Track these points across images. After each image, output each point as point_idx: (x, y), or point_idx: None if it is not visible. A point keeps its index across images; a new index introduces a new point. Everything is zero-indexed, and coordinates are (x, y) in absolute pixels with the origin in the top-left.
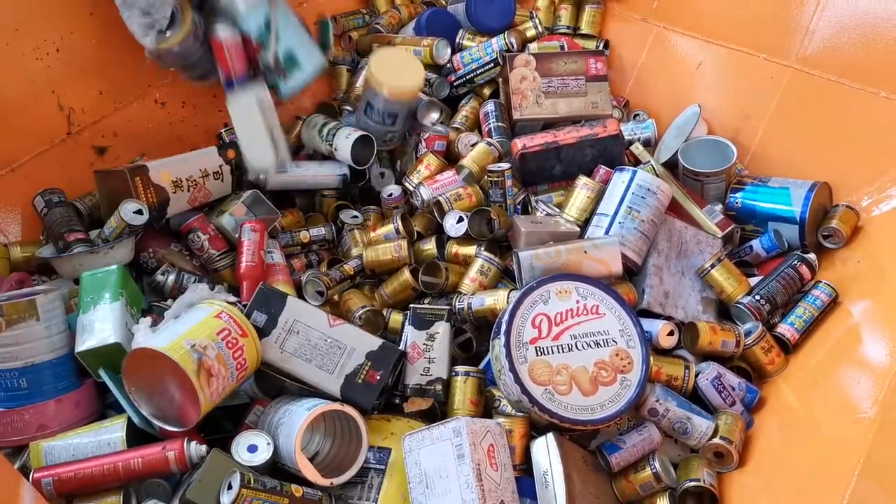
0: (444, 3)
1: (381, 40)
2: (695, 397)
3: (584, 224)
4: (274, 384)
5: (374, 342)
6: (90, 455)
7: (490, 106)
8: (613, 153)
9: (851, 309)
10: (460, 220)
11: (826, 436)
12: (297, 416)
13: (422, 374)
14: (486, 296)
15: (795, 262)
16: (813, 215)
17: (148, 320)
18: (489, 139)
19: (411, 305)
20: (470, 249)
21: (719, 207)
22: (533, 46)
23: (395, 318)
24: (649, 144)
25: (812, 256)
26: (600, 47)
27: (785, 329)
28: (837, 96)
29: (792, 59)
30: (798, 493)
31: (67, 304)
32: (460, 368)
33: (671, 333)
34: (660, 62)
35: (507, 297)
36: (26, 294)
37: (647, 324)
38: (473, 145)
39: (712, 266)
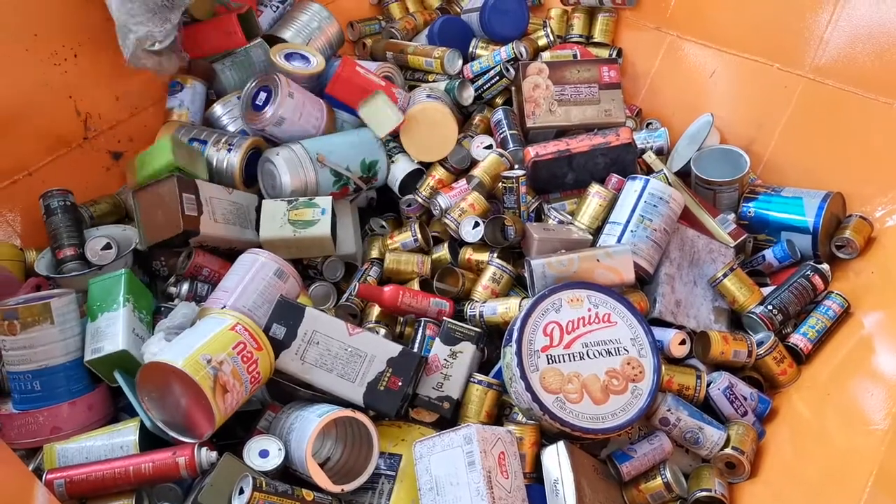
0: (458, 10)
1: (394, 48)
2: (706, 407)
3: (596, 232)
4: (285, 390)
5: (394, 348)
6: (103, 458)
7: (499, 114)
8: (626, 161)
9: (864, 320)
10: (476, 225)
11: (838, 447)
12: (308, 422)
13: (434, 388)
14: (497, 303)
15: (808, 272)
16: (826, 225)
17: (162, 333)
18: (500, 149)
19: (445, 318)
20: (483, 255)
21: (732, 217)
22: (546, 55)
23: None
24: (662, 153)
25: (825, 267)
26: (613, 55)
27: (798, 339)
28: (851, 106)
29: (806, 68)
30: None
31: (82, 307)
32: (483, 378)
33: (683, 343)
34: (673, 71)
35: (519, 305)
36: (41, 297)
37: (659, 333)
38: (487, 147)
39: (724, 275)
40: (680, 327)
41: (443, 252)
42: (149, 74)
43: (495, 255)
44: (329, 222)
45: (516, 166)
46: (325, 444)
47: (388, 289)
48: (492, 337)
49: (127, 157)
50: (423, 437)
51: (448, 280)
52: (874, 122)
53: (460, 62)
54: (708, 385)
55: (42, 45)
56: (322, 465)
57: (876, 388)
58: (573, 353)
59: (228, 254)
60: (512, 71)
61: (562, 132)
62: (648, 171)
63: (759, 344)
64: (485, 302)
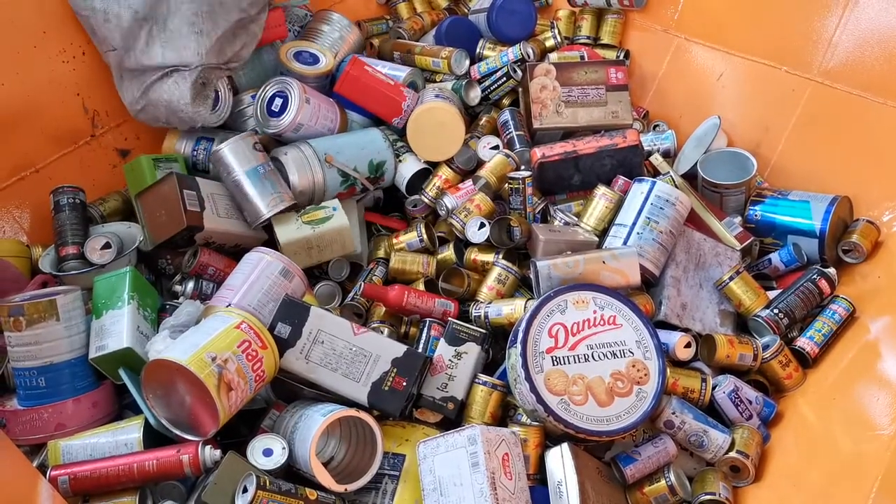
0: (465, 11)
1: (401, 48)
2: (711, 410)
3: (602, 234)
4: (290, 389)
5: (399, 349)
6: (107, 455)
7: (506, 115)
8: (633, 164)
9: (871, 324)
10: (482, 226)
11: (843, 452)
12: (312, 422)
13: (438, 389)
14: (503, 305)
15: (815, 276)
16: (833, 229)
17: (166, 331)
18: (506, 150)
19: (450, 319)
20: (489, 256)
21: (738, 220)
22: (553, 56)
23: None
24: (669, 155)
25: (832, 271)
26: (621, 57)
27: (804, 343)
28: (859, 110)
29: (814, 72)
30: None
31: (87, 304)
32: (488, 379)
33: (688, 345)
34: (680, 73)
35: (525, 306)
36: (47, 294)
37: (665, 335)
38: (494, 148)
39: (731, 278)
40: (685, 330)
41: (448, 252)
42: None
43: (501, 255)
44: (344, 215)
45: (522, 167)
46: (329, 444)
47: (393, 289)
48: (497, 338)
49: (134, 155)
50: (427, 437)
51: (453, 280)
52: (882, 125)
53: (467, 63)
54: (713, 388)
55: (51, 43)
56: (326, 465)
57: (882, 393)
58: (578, 355)
59: (234, 252)
60: (519, 72)
61: (568, 134)
62: (655, 173)
63: (765, 347)
64: (490, 303)
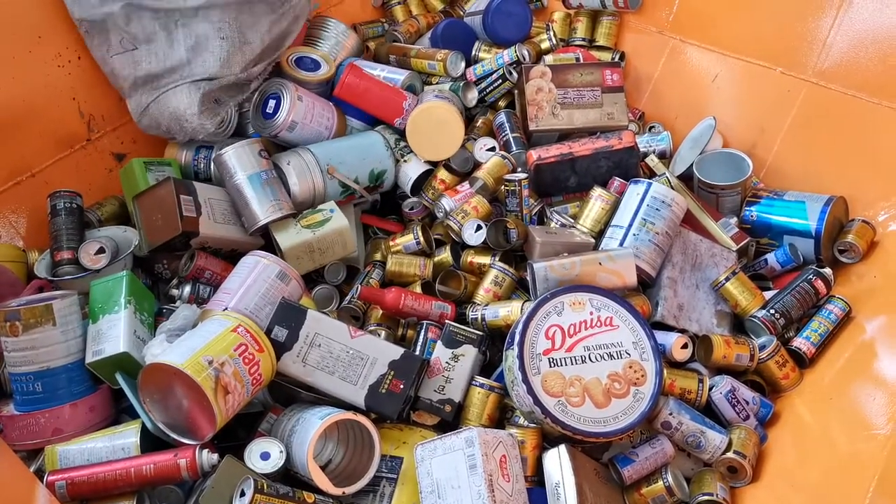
0: (461, 13)
1: (397, 51)
2: (708, 411)
3: (599, 235)
4: (287, 392)
5: (396, 351)
6: (104, 459)
7: (502, 117)
8: (628, 165)
9: (867, 324)
10: (479, 228)
11: (840, 452)
12: (310, 425)
13: (435, 391)
14: (499, 307)
15: (811, 276)
16: (829, 230)
17: (163, 335)
18: (503, 152)
19: (446, 321)
20: (485, 258)
21: (734, 220)
22: (548, 58)
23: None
24: (664, 157)
25: (828, 271)
26: (616, 59)
27: (801, 343)
28: (854, 111)
29: (809, 72)
30: None
31: (84, 309)
32: (485, 381)
33: (685, 346)
34: (676, 74)
35: (521, 308)
36: (43, 299)
37: (661, 336)
38: (490, 150)
39: (727, 279)
40: (682, 331)
41: (445, 255)
42: None
43: (497, 258)
44: (342, 215)
45: (519, 169)
46: (326, 447)
47: (390, 291)
48: (494, 340)
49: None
50: (424, 440)
51: (450, 283)
52: (877, 126)
53: (463, 65)
54: (710, 389)
55: (46, 47)
56: (323, 468)
57: (878, 393)
58: (575, 357)
59: (231, 256)
60: (515, 74)
61: (564, 135)
62: (651, 174)
63: (762, 348)
64: (487, 305)
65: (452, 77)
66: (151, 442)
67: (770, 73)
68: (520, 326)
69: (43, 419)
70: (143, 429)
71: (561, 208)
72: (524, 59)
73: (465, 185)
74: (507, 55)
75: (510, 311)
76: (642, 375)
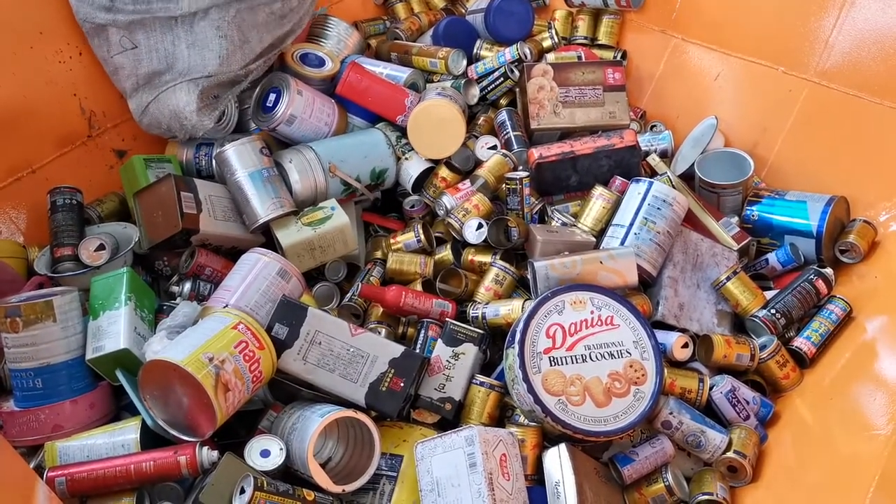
0: (462, 11)
1: (398, 48)
2: (709, 410)
3: (600, 234)
4: (287, 390)
5: (396, 349)
6: (104, 456)
7: (503, 115)
8: (630, 164)
9: (868, 325)
10: (480, 226)
11: (841, 452)
12: (310, 423)
13: (436, 389)
14: (500, 305)
15: (812, 276)
16: (830, 229)
17: (163, 332)
18: (504, 150)
19: (447, 319)
20: (486, 257)
21: (735, 220)
22: (550, 57)
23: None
24: (666, 156)
25: (829, 271)
26: (618, 58)
27: (802, 343)
28: (856, 110)
29: (811, 72)
30: None
31: (84, 305)
32: (485, 380)
33: (685, 346)
34: (677, 73)
35: (522, 307)
36: (44, 295)
37: (662, 336)
38: (492, 148)
39: (728, 279)
40: (683, 330)
41: (445, 253)
42: None
43: (498, 256)
44: (343, 213)
45: (520, 168)
46: (326, 445)
47: (390, 289)
48: (494, 338)
49: (130, 155)
50: (424, 438)
51: (451, 281)
52: (879, 126)
53: (464, 63)
54: (710, 388)
55: (47, 43)
56: (323, 466)
57: (879, 393)
58: (576, 356)
59: (231, 253)
60: (516, 72)
61: (566, 134)
62: (652, 173)
63: (762, 348)
64: (487, 303)
65: (454, 75)
66: (151, 439)
67: (772, 72)
68: (520, 325)
69: (43, 415)
70: (143, 426)
71: (562, 207)
72: (526, 57)
73: (467, 183)
74: (509, 53)
75: (511, 309)
76: (643, 375)
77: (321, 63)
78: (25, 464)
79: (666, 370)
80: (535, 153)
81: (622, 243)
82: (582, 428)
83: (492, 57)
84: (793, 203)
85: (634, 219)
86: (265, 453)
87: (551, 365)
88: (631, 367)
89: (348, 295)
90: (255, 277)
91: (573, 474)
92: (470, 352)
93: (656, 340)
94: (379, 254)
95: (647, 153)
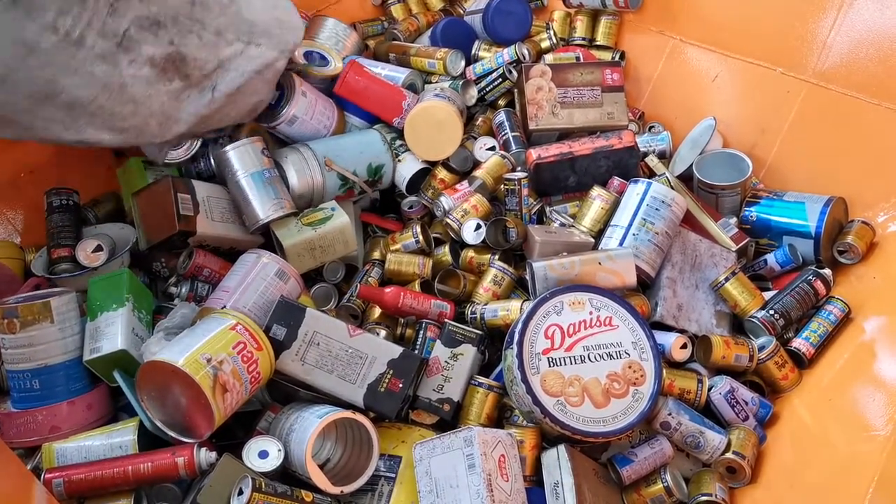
0: (460, 12)
1: (397, 49)
2: (707, 411)
3: (598, 235)
4: (285, 391)
5: (395, 350)
6: (102, 457)
7: (501, 116)
8: (628, 165)
9: (866, 325)
10: (478, 227)
11: (839, 453)
12: (308, 424)
13: (434, 390)
14: (499, 306)
15: (810, 277)
16: (828, 230)
17: (161, 333)
18: (502, 151)
19: (446, 320)
20: (485, 257)
21: (734, 221)
22: (548, 57)
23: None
24: (664, 157)
25: (827, 272)
26: (616, 58)
27: (800, 343)
28: (854, 111)
29: (809, 73)
30: None
31: (82, 306)
32: (484, 381)
33: (684, 346)
34: (676, 74)
35: (521, 308)
36: (41, 296)
37: (661, 336)
38: (490, 149)
39: (726, 279)
40: (681, 331)
41: (444, 253)
42: None
43: (497, 257)
44: (343, 213)
45: (518, 168)
46: (324, 446)
47: (389, 290)
48: (493, 339)
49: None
50: (423, 439)
51: (449, 282)
52: (877, 127)
53: (463, 63)
54: (709, 389)
55: None
56: (322, 467)
57: (877, 394)
58: (574, 356)
59: (230, 254)
60: (515, 73)
61: (564, 135)
62: (651, 174)
63: (761, 348)
64: (486, 304)
65: (452, 76)
66: (149, 440)
67: (770, 73)
68: (519, 326)
69: (40, 416)
70: (141, 427)
71: (560, 208)
72: (524, 58)
73: (465, 183)
74: (507, 54)
75: (509, 310)
76: (641, 375)
77: (325, 61)
78: (23, 465)
79: (665, 371)
80: (534, 154)
81: (621, 244)
82: (580, 429)
83: (490, 58)
84: (791, 204)
85: (633, 219)
86: (263, 454)
87: (550, 366)
88: (630, 367)
89: (347, 295)
90: (253, 278)
91: (572, 475)
92: (468, 353)
93: (655, 341)
94: (377, 254)
95: (646, 154)
